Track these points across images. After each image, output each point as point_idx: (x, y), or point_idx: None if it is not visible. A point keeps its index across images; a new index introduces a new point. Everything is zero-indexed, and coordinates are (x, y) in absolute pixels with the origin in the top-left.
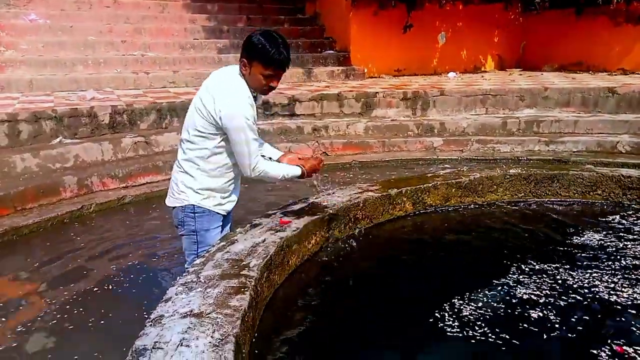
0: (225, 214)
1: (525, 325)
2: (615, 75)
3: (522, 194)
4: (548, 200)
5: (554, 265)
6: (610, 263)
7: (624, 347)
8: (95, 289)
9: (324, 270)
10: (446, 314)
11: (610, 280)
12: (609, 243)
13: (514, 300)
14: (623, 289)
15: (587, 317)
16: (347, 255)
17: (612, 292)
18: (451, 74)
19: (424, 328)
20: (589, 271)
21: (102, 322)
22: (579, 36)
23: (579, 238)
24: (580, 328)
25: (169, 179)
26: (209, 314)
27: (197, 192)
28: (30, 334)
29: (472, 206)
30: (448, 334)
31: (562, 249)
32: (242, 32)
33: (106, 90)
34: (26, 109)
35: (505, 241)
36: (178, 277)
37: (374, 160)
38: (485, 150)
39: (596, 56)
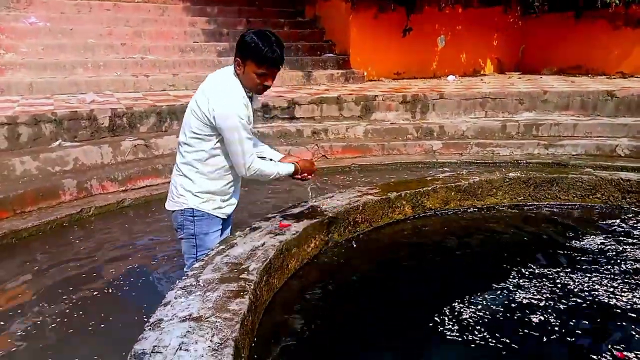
0: (225, 217)
1: (525, 329)
2: (614, 78)
3: (522, 198)
4: (547, 204)
5: (554, 269)
6: (610, 267)
7: (625, 353)
8: (95, 292)
9: (324, 273)
10: (446, 318)
11: (610, 284)
12: (608, 247)
13: (513, 304)
14: (623, 293)
15: (587, 322)
16: (347, 258)
17: (612, 296)
18: (450, 77)
19: (424, 332)
20: (589, 275)
21: (102, 325)
22: (578, 40)
23: (578, 241)
24: (581, 333)
25: (169, 182)
26: (208, 317)
27: (196, 196)
28: (30, 337)
29: (471, 210)
30: (448, 337)
31: (561, 252)
32: None
33: (106, 93)
34: (26, 112)
35: (505, 245)
36: (177, 281)
37: (374, 163)
38: (484, 153)
39: (595, 59)
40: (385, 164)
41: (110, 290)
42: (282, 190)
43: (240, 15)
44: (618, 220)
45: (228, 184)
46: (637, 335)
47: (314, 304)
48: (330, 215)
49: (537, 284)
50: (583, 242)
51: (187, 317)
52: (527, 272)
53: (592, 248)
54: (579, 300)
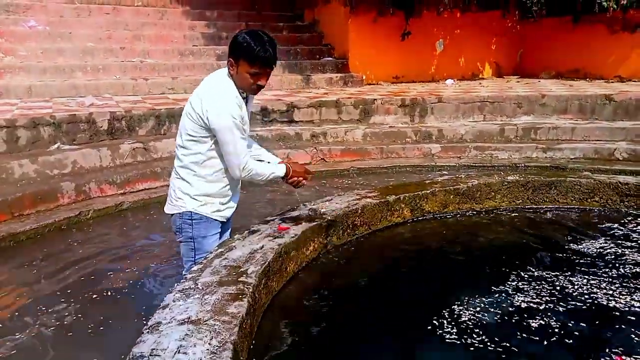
0: (224, 220)
1: (523, 332)
2: (612, 82)
3: (520, 201)
4: (546, 207)
5: (552, 272)
6: (608, 270)
7: (623, 357)
8: (94, 295)
9: (322, 276)
10: (445, 321)
11: (608, 288)
12: (607, 250)
13: (512, 307)
14: (622, 296)
15: (586, 325)
16: (345, 261)
17: (611, 299)
18: (449, 81)
19: (423, 334)
20: (588, 278)
21: (102, 328)
22: (576, 44)
23: (577, 245)
24: (579, 336)
25: (167, 185)
26: (207, 320)
27: (194, 199)
28: (29, 340)
29: (470, 213)
30: (447, 340)
31: (560, 255)
32: None
33: (105, 97)
34: (24, 115)
35: (504, 248)
36: (176, 284)
37: (372, 166)
38: (483, 156)
39: (593, 64)
40: (384, 167)
41: (109, 294)
42: (282, 191)
43: (239, 19)
44: (616, 224)
45: (226, 186)
46: (636, 339)
47: (313, 307)
48: (329, 218)
49: (536, 287)
50: (581, 245)
51: (185, 320)
52: (526, 275)
53: (591, 251)
54: (577, 304)
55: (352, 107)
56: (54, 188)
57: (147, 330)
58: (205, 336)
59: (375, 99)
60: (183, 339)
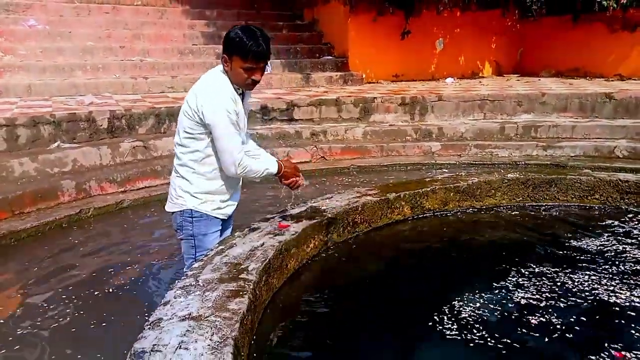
0: (225, 218)
1: (524, 328)
2: (612, 81)
3: (520, 199)
4: (546, 205)
5: (553, 269)
6: (608, 267)
7: (623, 352)
8: (96, 292)
9: (323, 274)
10: (445, 317)
11: (609, 284)
12: (607, 247)
13: (512, 304)
14: (622, 293)
15: (586, 321)
16: (346, 259)
17: (611, 295)
18: (449, 80)
19: (424, 330)
20: (588, 274)
21: (104, 324)
22: (576, 42)
23: (577, 242)
24: (580, 332)
25: (168, 184)
26: (208, 317)
27: (194, 197)
28: (31, 337)
29: (470, 210)
30: (448, 336)
31: (560, 252)
32: None
33: (105, 95)
34: (24, 113)
35: (504, 245)
36: (177, 281)
37: (373, 164)
38: (483, 155)
39: (593, 62)
40: (384, 165)
41: (110, 290)
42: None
43: (239, 18)
44: (616, 221)
45: (226, 183)
46: (636, 334)
47: (313, 303)
48: (330, 215)
49: (537, 283)
50: (582, 243)
51: (186, 316)
52: (526, 272)
53: (591, 248)
54: (578, 300)
55: (352, 105)
56: (55, 186)
57: (149, 326)
58: (207, 332)
59: (375, 98)
60: (184, 334)
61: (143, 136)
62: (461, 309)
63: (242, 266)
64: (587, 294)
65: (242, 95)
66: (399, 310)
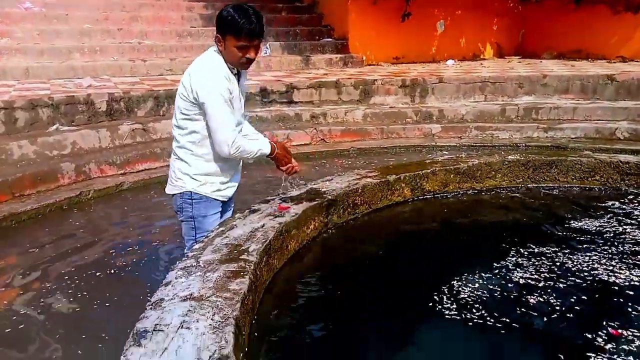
0: (225, 200)
1: (522, 308)
2: (614, 62)
3: (521, 180)
4: (546, 186)
5: (552, 249)
6: (608, 247)
7: (619, 330)
8: (98, 273)
9: (323, 255)
10: (445, 297)
11: (608, 264)
12: (607, 228)
13: (512, 284)
14: (621, 272)
15: (585, 300)
16: (346, 240)
17: (610, 275)
18: (450, 62)
19: (423, 310)
20: (588, 255)
21: (107, 304)
22: (578, 24)
23: (577, 223)
24: (578, 311)
25: (167, 166)
26: (209, 297)
27: (193, 179)
28: (34, 317)
29: (470, 192)
30: (447, 316)
31: (560, 233)
32: None
33: (103, 78)
34: (22, 96)
35: (504, 226)
36: (177, 262)
37: (373, 147)
38: (483, 136)
39: (595, 44)
40: (384, 148)
41: (112, 272)
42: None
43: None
44: (617, 202)
45: (225, 165)
46: (633, 313)
47: (313, 284)
48: (330, 197)
49: (536, 264)
50: (582, 223)
51: (187, 296)
52: (525, 252)
53: (591, 229)
54: (577, 280)
55: (352, 87)
56: (54, 169)
57: (150, 306)
58: (208, 312)
59: (375, 80)
60: (186, 314)
61: (142, 119)
62: (460, 289)
63: (243, 247)
64: (586, 274)
65: (238, 76)
66: (398, 290)
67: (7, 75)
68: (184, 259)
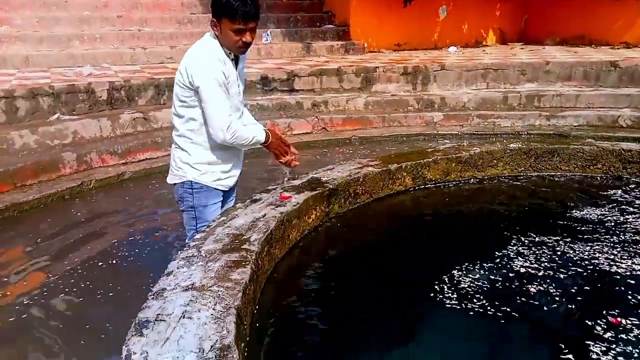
0: (226, 189)
1: (523, 297)
2: (618, 49)
3: (523, 169)
4: (548, 175)
5: (553, 238)
6: (609, 236)
7: (619, 319)
8: (100, 263)
9: (324, 244)
10: (445, 286)
11: (609, 253)
12: (609, 217)
13: (513, 273)
14: (622, 261)
15: (585, 289)
16: (347, 229)
17: (611, 264)
18: (452, 49)
19: (424, 299)
20: (589, 244)
21: (111, 294)
22: (581, 9)
23: (578, 211)
24: (579, 300)
25: (168, 155)
26: (211, 287)
27: (194, 168)
28: (40, 305)
29: (472, 181)
30: (447, 305)
31: (561, 222)
32: None
33: (103, 66)
34: (23, 85)
35: (505, 215)
36: (179, 252)
37: (374, 135)
38: (485, 125)
39: (599, 30)
40: (385, 136)
41: (114, 262)
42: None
43: None
44: (619, 191)
45: (226, 153)
46: (633, 301)
47: (315, 273)
48: (331, 187)
49: (537, 253)
50: (583, 212)
51: (189, 286)
52: (526, 241)
53: (593, 218)
54: (578, 269)
55: (354, 75)
56: (55, 158)
57: (152, 296)
58: (210, 302)
59: (377, 67)
60: (188, 304)
61: (143, 107)
62: (461, 278)
63: (244, 237)
64: (587, 262)
65: (236, 61)
66: (399, 279)
67: (7, 64)
68: (185, 248)
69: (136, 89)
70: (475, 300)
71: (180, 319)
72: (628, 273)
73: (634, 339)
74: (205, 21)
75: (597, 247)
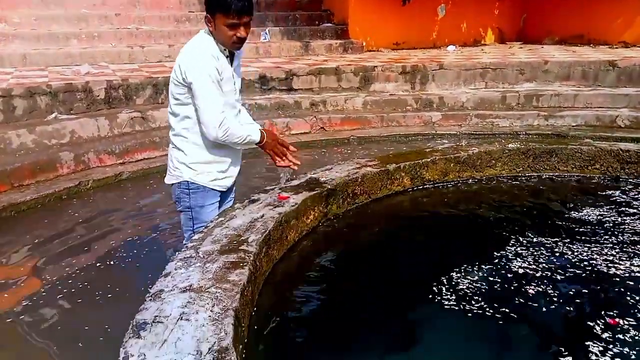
0: (224, 189)
1: (521, 298)
2: (616, 48)
3: (521, 169)
4: (546, 175)
5: (552, 239)
6: (608, 237)
7: (617, 320)
8: (98, 264)
9: (322, 245)
10: (444, 288)
11: (607, 253)
12: (607, 217)
13: (511, 274)
14: (620, 262)
15: (583, 290)
16: (345, 230)
17: (610, 265)
18: (451, 48)
19: (422, 301)
20: (587, 244)
21: (109, 295)
22: (580, 9)
23: (576, 212)
24: (577, 301)
25: (166, 155)
26: (208, 288)
27: (190, 168)
28: (38, 307)
29: (470, 181)
30: (446, 307)
31: (560, 222)
32: None
33: (101, 65)
34: (20, 84)
35: (504, 215)
36: (177, 253)
37: (373, 135)
38: (484, 124)
39: (597, 29)
40: (384, 136)
41: (112, 262)
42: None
43: None
44: (617, 191)
45: (222, 152)
46: (631, 301)
47: (313, 274)
48: (329, 187)
49: (535, 253)
50: (581, 213)
51: (187, 287)
52: (525, 242)
53: (591, 218)
54: (576, 270)
55: (352, 74)
56: (53, 158)
57: (150, 297)
58: (207, 303)
59: (375, 66)
60: (185, 306)
61: (141, 107)
62: (459, 279)
63: (242, 238)
64: (585, 263)
65: (231, 58)
66: (397, 280)
67: (5, 62)
68: (183, 249)
69: (134, 88)
70: (473, 301)
71: (177, 320)
72: (626, 274)
73: (631, 340)
74: (203, 19)
75: (595, 247)
